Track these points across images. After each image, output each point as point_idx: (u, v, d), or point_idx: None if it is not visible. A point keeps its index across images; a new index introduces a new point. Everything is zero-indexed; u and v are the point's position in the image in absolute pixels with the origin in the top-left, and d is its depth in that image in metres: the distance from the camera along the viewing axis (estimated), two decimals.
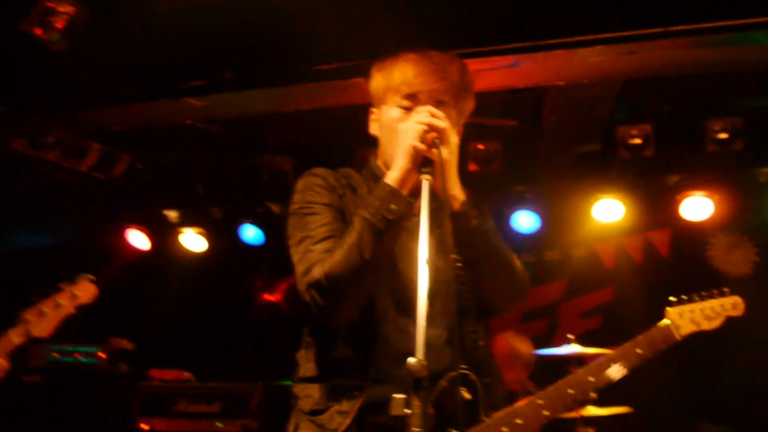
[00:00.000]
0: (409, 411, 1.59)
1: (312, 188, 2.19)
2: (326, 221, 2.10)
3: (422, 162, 1.93)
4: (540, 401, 2.15)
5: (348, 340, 2.07)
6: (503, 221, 5.44)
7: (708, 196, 5.14)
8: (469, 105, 2.23)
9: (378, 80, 2.22)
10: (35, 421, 5.30)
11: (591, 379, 2.22)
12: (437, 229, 1.97)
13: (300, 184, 2.23)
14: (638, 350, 2.28)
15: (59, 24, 3.36)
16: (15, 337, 2.87)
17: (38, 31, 3.34)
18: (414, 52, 2.16)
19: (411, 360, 1.60)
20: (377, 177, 2.12)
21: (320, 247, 2.03)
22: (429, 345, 1.98)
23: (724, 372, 5.18)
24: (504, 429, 2.06)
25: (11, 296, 3.01)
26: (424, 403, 1.59)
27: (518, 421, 2.09)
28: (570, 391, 2.19)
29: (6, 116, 4.06)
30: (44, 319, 2.93)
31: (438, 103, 2.07)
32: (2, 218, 6.12)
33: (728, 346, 4.29)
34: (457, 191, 2.02)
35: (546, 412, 2.12)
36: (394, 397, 1.62)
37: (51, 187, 5.79)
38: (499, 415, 2.09)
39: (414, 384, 1.59)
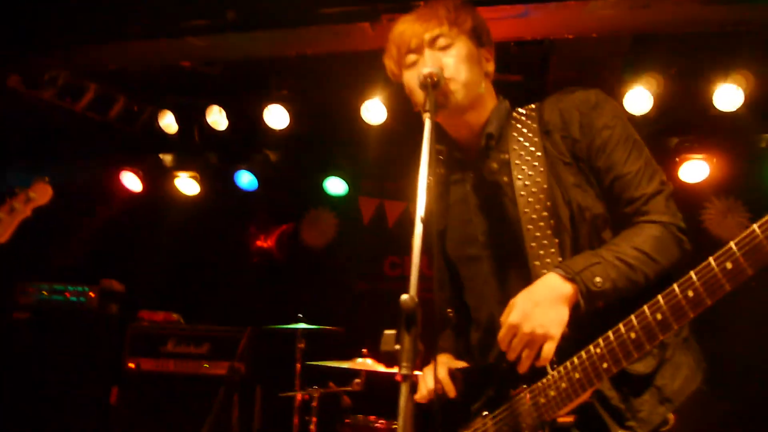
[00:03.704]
0: (398, 347, 1.58)
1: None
2: None
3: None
4: (598, 350, 1.78)
5: None
6: None
7: (705, 160, 5.10)
8: (474, 21, 2.12)
9: (388, 61, 2.19)
10: (24, 357, 5.33)
11: (658, 316, 1.68)
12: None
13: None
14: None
15: None
16: None
17: None
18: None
19: (403, 296, 1.58)
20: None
21: None
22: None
23: (725, 340, 5.12)
24: (563, 384, 1.84)
25: None
26: (414, 339, 1.58)
27: (576, 375, 1.82)
28: (632, 335, 1.73)
29: (2, 52, 3.97)
30: (1, 225, 2.87)
31: (434, 39, 2.04)
32: None
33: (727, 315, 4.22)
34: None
35: (605, 365, 1.77)
36: (385, 333, 1.61)
37: (45, 126, 5.71)
38: (560, 369, 1.86)
39: (405, 319, 1.58)
